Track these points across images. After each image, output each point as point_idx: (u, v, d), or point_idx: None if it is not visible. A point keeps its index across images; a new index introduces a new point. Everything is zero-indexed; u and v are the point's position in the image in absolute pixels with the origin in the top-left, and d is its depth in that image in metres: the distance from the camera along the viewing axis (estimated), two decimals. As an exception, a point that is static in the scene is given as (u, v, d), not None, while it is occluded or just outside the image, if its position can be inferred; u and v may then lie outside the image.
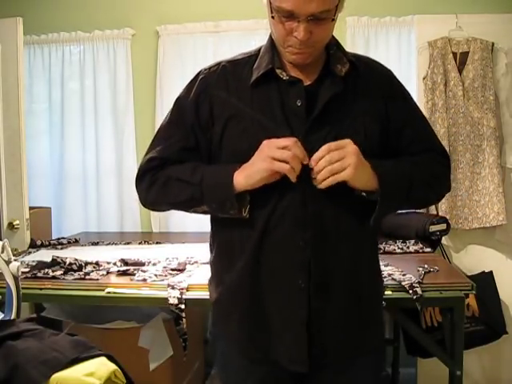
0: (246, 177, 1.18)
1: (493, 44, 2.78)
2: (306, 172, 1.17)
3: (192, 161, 1.27)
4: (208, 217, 1.36)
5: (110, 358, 1.20)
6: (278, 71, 1.22)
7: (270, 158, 1.14)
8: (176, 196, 1.26)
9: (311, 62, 1.22)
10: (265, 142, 1.17)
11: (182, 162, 1.27)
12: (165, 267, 2.08)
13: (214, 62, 1.31)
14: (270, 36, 1.27)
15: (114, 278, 2.00)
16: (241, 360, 1.30)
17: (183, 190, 1.24)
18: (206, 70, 1.30)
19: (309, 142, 1.18)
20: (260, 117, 1.21)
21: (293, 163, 1.14)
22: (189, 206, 1.27)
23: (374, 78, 1.28)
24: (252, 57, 1.28)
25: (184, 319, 1.79)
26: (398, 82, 1.34)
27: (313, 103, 1.20)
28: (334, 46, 1.26)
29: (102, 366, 1.16)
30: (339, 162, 1.13)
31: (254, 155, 1.18)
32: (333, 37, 1.25)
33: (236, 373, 1.32)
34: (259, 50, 1.29)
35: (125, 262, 2.16)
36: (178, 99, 1.33)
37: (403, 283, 1.77)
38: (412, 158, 1.29)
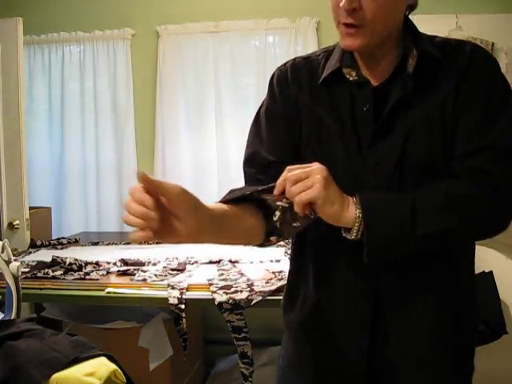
0: None
1: (493, 44, 2.77)
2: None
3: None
4: None
5: (110, 358, 1.20)
6: (345, 70, 1.08)
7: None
8: None
9: (380, 55, 1.06)
10: None
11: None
12: (165, 267, 2.09)
13: (289, 59, 1.21)
14: None
15: (113, 278, 2.01)
16: None
17: None
18: (280, 67, 1.20)
19: (374, 152, 1.05)
20: (329, 119, 1.09)
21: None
22: None
23: (448, 69, 1.04)
24: (330, 52, 1.14)
25: (184, 319, 1.79)
26: (482, 72, 1.04)
27: (381, 107, 1.05)
28: (409, 37, 1.06)
29: (101, 366, 1.16)
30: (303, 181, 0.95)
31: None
32: (411, 27, 1.08)
33: None
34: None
35: (125, 262, 2.16)
36: (261, 105, 1.19)
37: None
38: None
